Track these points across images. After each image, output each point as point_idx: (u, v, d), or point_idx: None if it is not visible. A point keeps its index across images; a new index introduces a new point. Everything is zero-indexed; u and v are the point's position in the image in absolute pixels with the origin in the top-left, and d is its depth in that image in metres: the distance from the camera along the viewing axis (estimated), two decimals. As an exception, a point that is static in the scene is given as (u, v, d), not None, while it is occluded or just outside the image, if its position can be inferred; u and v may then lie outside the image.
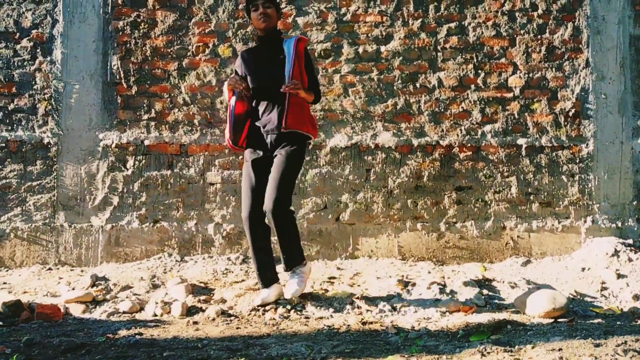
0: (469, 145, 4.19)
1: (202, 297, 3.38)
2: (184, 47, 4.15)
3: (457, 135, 4.19)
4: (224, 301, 3.34)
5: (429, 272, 3.81)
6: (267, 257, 3.18)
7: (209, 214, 4.15)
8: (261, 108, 3.11)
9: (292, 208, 3.18)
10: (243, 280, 3.68)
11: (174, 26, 4.14)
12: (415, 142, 4.18)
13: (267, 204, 3.00)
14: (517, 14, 4.22)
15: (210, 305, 3.27)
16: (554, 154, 4.20)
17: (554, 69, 4.21)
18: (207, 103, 4.14)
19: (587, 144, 4.20)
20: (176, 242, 4.11)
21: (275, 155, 3.08)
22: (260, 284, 3.16)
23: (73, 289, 3.54)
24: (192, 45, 4.15)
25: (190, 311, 3.21)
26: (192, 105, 4.12)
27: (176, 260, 4.05)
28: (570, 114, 4.20)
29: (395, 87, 4.19)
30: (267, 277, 3.17)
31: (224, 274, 3.84)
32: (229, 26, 4.16)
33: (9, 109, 4.05)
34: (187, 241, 4.11)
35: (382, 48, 4.19)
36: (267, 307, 3.17)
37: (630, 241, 4.08)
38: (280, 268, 3.31)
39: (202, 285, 3.59)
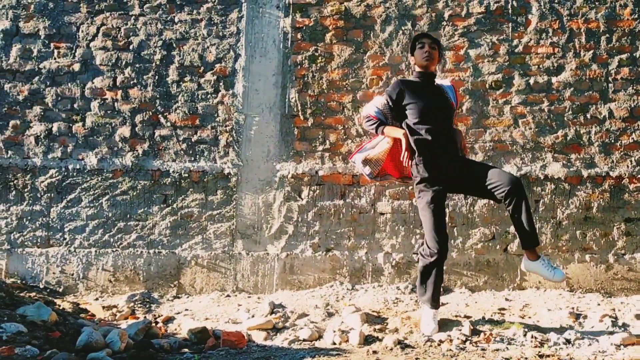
0: (639, 176, 4.37)
1: (377, 326, 3.59)
2: (358, 79, 4.46)
3: (627, 166, 4.38)
4: (397, 330, 3.53)
5: (599, 304, 3.97)
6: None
7: (378, 243, 4.43)
8: (430, 137, 3.34)
9: None
10: (414, 310, 3.89)
11: (349, 59, 4.45)
12: (585, 173, 4.38)
13: (512, 180, 3.16)
14: (692, 45, 4.39)
15: (386, 334, 3.47)
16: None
17: None
18: (381, 134, 4.43)
19: None
20: (347, 271, 4.39)
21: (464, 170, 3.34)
22: (430, 304, 3.34)
23: (253, 316, 3.82)
24: (367, 78, 4.46)
25: (367, 340, 3.39)
26: (365, 137, 4.42)
27: (347, 289, 4.32)
28: None
29: (565, 118, 4.41)
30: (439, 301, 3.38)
31: (394, 303, 4.09)
32: (402, 59, 4.45)
33: (193, 140, 4.42)
34: (358, 270, 4.39)
35: (554, 79, 4.42)
36: (443, 338, 3.34)
37: None
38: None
39: (375, 314, 3.81)
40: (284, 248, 4.37)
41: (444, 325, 3.51)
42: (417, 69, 3.32)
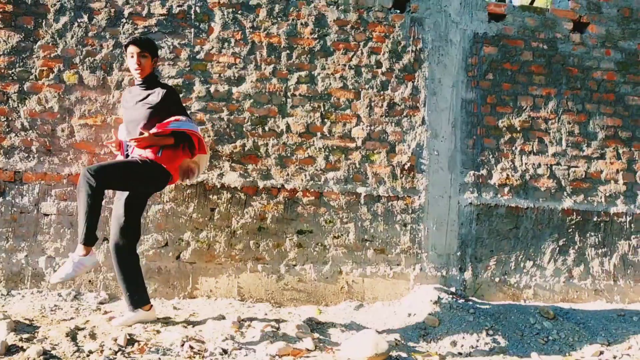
0: (313, 190, 5.29)
1: (25, 335, 3.78)
2: (26, 69, 4.82)
3: (302, 179, 5.27)
4: (46, 339, 3.75)
5: (266, 314, 4.61)
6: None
7: (41, 246, 4.77)
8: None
9: None
10: (72, 318, 4.19)
11: (17, 47, 4.79)
12: (260, 184, 5.18)
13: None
14: (363, 69, 5.41)
15: (33, 344, 3.68)
16: (389, 203, 5.43)
17: (393, 124, 5.47)
18: (47, 130, 4.84)
19: (420, 196, 5.49)
20: (3, 275, 4.69)
21: None
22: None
23: None
24: (36, 68, 4.84)
25: (10, 350, 3.57)
26: (30, 131, 4.80)
27: (2, 294, 4.56)
28: (406, 167, 5.47)
29: (244, 129, 5.17)
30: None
31: (52, 310, 4.35)
32: (76, 52, 4.89)
33: None
34: (16, 274, 4.68)
35: (234, 89, 5.17)
36: (93, 348, 3.65)
37: (453, 289, 5.33)
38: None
39: (27, 322, 4.03)
40: None
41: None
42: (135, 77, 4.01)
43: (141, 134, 3.74)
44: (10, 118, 4.61)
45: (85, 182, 3.47)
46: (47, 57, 4.74)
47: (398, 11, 5.39)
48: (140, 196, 3.94)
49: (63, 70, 4.75)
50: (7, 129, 4.63)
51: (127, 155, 3.99)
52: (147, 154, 3.81)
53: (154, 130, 3.72)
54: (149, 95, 3.83)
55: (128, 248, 3.87)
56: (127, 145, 3.98)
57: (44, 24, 4.74)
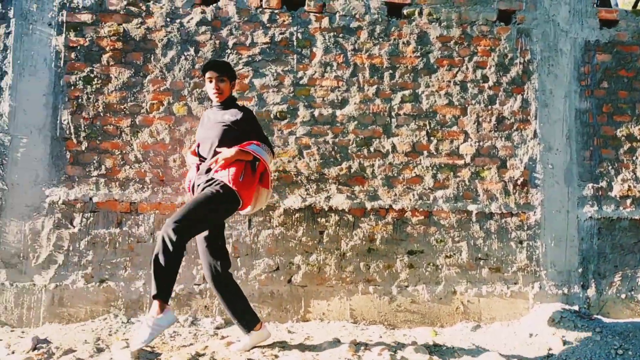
0: (421, 209, 5.17)
1: None
2: (137, 103, 4.98)
3: (410, 199, 5.17)
4: None
5: (381, 337, 4.60)
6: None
7: (157, 275, 4.93)
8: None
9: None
10: (191, 344, 4.36)
11: (128, 82, 4.97)
12: (368, 205, 5.12)
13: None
14: (468, 85, 5.28)
15: None
16: (503, 220, 5.23)
17: (503, 139, 5.28)
18: (159, 161, 4.97)
19: (535, 212, 5.26)
20: (122, 303, 4.85)
21: None
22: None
23: (13, 352, 4.11)
24: (147, 102, 4.99)
25: None
26: (143, 163, 4.94)
27: (122, 322, 4.75)
28: (519, 182, 5.26)
29: (349, 151, 5.14)
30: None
31: (171, 337, 4.52)
32: (185, 85, 5.02)
33: (-49, 161, 4.75)
34: (134, 302, 4.86)
35: (338, 112, 5.15)
36: None
37: (575, 307, 5.10)
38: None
39: (149, 349, 4.21)
40: (53, 278, 4.75)
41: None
42: (213, 101, 4.05)
43: (216, 153, 3.79)
44: (124, 151, 4.78)
45: (167, 240, 3.51)
46: (157, 91, 4.89)
47: (503, 24, 5.24)
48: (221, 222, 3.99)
49: (172, 103, 4.88)
50: (122, 162, 4.80)
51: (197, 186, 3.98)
52: (226, 177, 3.74)
53: (235, 148, 3.72)
54: (225, 115, 3.88)
55: (224, 273, 3.91)
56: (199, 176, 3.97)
57: (152, 58, 4.89)
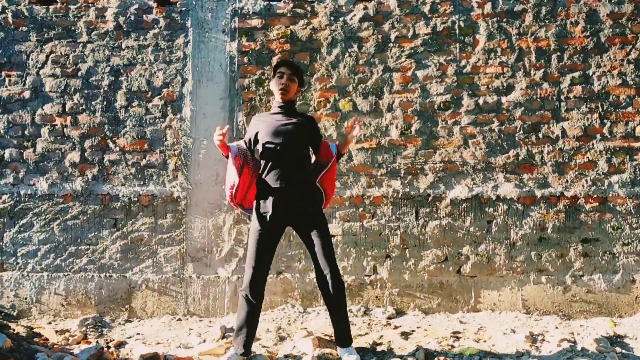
0: (595, 196, 4.94)
1: (328, 350, 4.11)
2: (306, 102, 5.12)
3: (583, 185, 4.95)
4: None
5: (557, 327, 4.51)
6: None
7: (329, 266, 5.06)
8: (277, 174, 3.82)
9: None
10: (367, 334, 4.47)
11: (296, 82, 5.12)
12: (538, 193, 4.96)
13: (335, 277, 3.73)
14: (644, 62, 4.97)
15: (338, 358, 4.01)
16: (686, 204, 4.89)
17: (685, 117, 4.92)
18: (329, 157, 5.08)
19: None
20: (299, 294, 5.03)
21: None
22: (241, 349, 3.71)
23: (204, 340, 4.41)
24: (314, 100, 5.12)
25: None
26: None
27: (299, 312, 4.95)
28: None
29: (516, 138, 5.01)
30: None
31: None
32: (349, 81, 5.10)
33: (142, 164, 5.13)
34: (309, 292, 5.03)
35: (503, 99, 5.03)
36: None
37: None
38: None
39: (327, 338, 4.33)
40: (235, 271, 5.02)
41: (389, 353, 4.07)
42: (277, 98, 3.78)
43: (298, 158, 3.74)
44: (296, 148, 4.89)
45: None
46: (324, 89, 4.99)
47: (682, -7, 4.84)
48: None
49: (338, 99, 4.96)
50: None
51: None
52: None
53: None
54: (298, 120, 3.75)
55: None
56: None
57: (318, 57, 5.01)
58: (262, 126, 3.72)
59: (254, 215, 3.71)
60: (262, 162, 3.71)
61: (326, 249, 3.66)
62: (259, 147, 3.72)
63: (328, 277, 3.67)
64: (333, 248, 3.79)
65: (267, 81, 5.10)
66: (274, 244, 3.70)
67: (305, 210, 3.69)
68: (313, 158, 3.96)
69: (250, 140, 3.80)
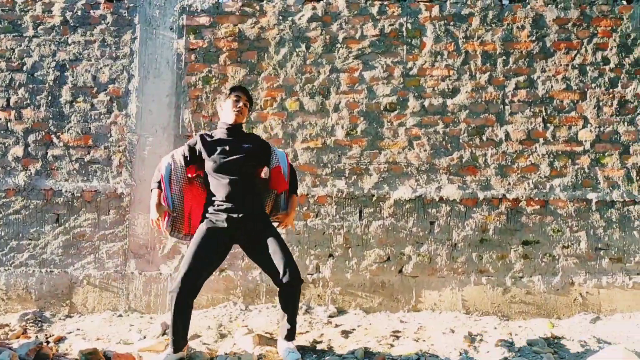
0: (537, 199, 4.98)
1: (268, 348, 4.07)
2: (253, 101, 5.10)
3: (525, 188, 4.99)
4: None
5: (495, 328, 4.55)
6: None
7: (273, 264, 5.06)
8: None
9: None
10: (308, 332, 4.49)
11: (243, 81, 5.10)
12: (480, 195, 5.00)
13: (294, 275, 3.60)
14: (588, 68, 5.01)
15: (277, 356, 3.99)
16: (625, 209, 4.95)
17: (626, 123, 4.97)
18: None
19: (661, 200, 4.94)
20: (241, 291, 5.03)
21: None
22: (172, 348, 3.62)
23: (144, 337, 4.41)
24: (261, 99, 5.10)
25: None
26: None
27: (241, 309, 4.96)
28: (643, 169, 4.95)
29: (460, 140, 5.03)
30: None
31: None
32: (297, 80, 5.08)
33: (85, 160, 5.08)
34: (252, 290, 5.03)
35: (449, 101, 5.04)
36: None
37: None
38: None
39: (268, 335, 4.35)
40: (177, 268, 5.00)
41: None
42: (224, 119, 3.75)
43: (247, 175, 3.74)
44: (242, 147, 4.87)
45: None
46: (271, 88, 4.99)
47: (625, 2, 4.86)
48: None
49: (285, 99, 4.96)
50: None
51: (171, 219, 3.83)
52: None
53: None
54: (251, 143, 3.76)
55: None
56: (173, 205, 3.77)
57: (265, 56, 5.01)
58: (212, 145, 3.71)
59: (201, 227, 3.65)
60: (212, 182, 3.69)
61: (286, 250, 3.68)
62: (208, 166, 3.68)
63: (290, 275, 3.63)
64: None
65: (213, 79, 5.07)
66: (215, 254, 3.67)
67: (255, 226, 3.67)
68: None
69: (192, 155, 3.79)
